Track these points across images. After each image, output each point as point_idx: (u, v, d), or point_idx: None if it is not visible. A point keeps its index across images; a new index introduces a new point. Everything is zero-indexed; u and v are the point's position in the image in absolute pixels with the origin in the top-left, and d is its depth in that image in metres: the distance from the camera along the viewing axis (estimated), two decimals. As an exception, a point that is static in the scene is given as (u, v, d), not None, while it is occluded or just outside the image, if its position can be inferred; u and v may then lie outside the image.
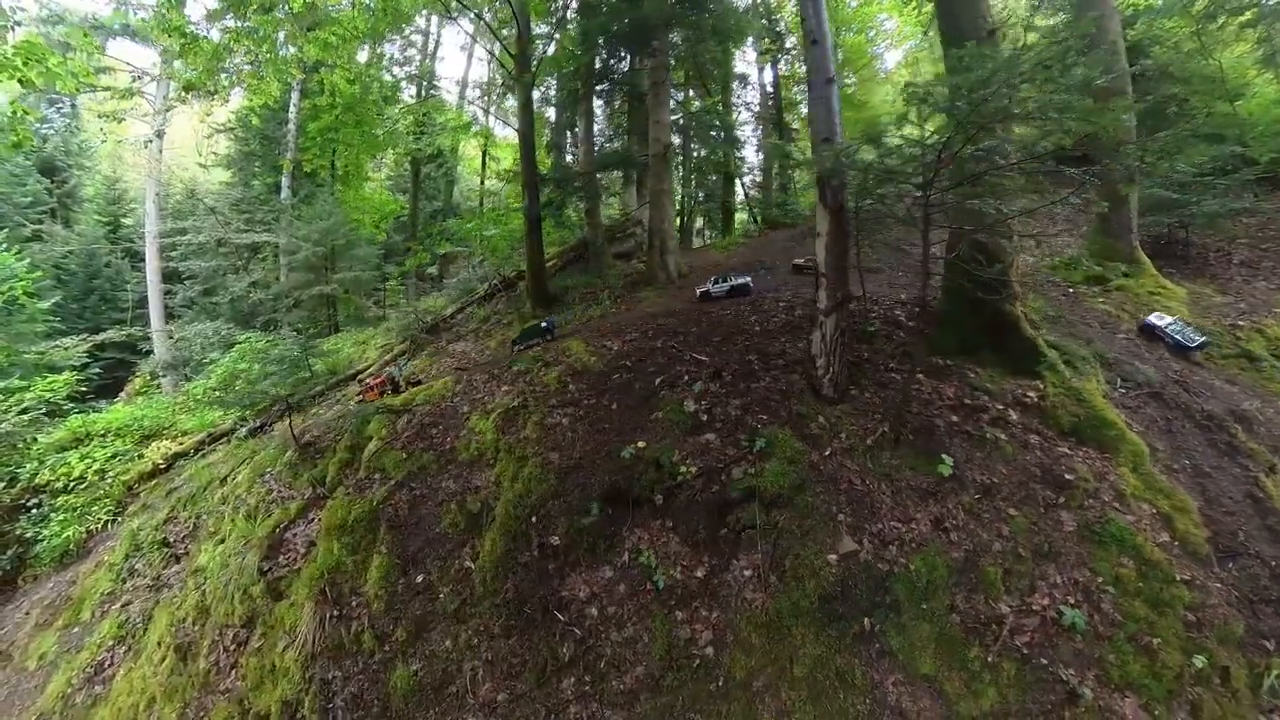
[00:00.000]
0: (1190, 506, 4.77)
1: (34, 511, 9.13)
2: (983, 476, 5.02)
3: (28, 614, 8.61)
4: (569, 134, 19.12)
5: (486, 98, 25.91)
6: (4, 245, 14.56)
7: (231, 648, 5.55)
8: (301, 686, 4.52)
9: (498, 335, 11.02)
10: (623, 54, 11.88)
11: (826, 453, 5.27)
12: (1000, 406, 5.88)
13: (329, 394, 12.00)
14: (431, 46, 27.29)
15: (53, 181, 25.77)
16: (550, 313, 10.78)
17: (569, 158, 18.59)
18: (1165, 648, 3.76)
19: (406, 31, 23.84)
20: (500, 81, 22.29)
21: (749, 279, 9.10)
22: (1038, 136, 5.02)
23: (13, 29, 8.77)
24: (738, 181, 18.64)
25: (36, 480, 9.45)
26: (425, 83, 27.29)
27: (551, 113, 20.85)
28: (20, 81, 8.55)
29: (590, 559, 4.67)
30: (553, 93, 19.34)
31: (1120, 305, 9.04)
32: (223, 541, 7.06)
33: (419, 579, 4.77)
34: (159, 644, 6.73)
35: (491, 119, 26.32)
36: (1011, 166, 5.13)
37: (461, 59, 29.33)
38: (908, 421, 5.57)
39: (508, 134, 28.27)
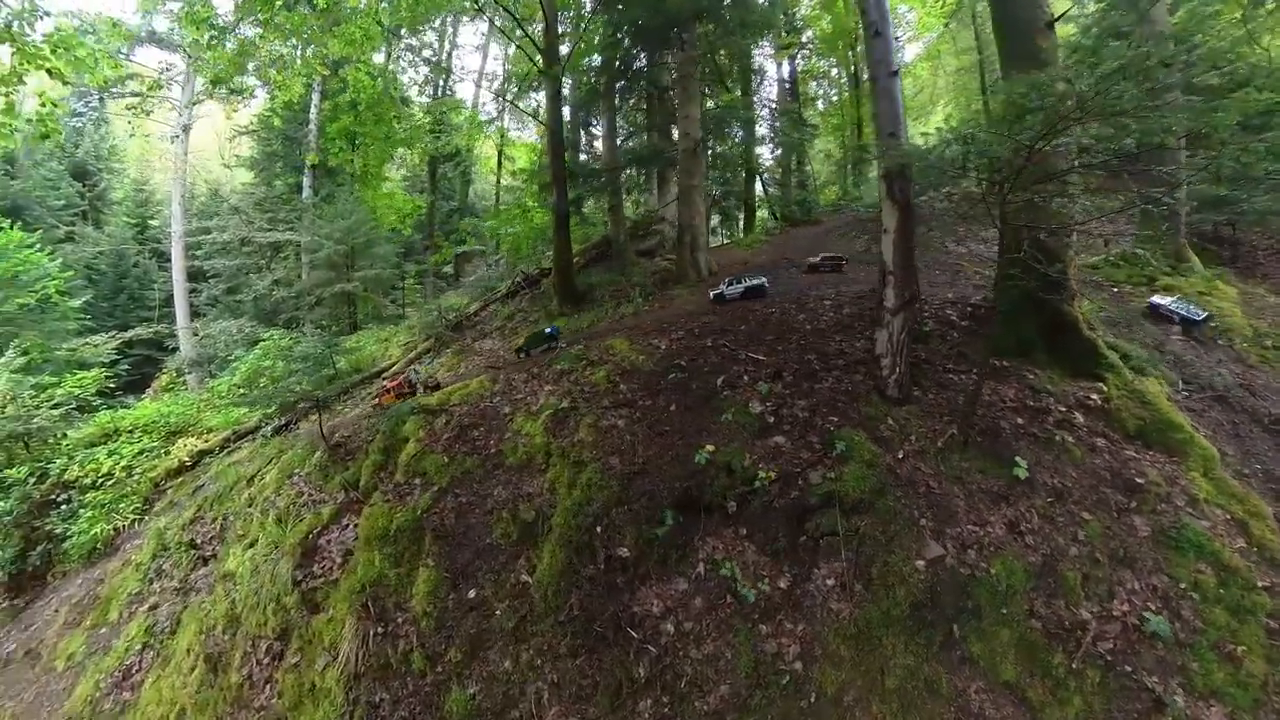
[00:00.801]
0: (1265, 512, 4.59)
1: (63, 507, 8.87)
2: (1053, 480, 4.81)
3: (57, 611, 8.31)
4: (583, 132, 18.67)
5: (503, 96, 25.53)
6: (38, 246, 14.61)
7: (265, 661, 5.12)
8: (345, 709, 4.07)
9: (525, 333, 10.57)
10: (648, 49, 11.38)
11: (900, 455, 5.00)
12: (1064, 409, 5.60)
13: (353, 392, 11.61)
14: (448, 46, 27.05)
15: (84, 185, 26.21)
16: (579, 310, 10.34)
17: (583, 156, 18.13)
18: (1249, 655, 3.59)
19: (424, 31, 23.61)
20: (514, 81, 21.94)
21: (764, 280, 8.64)
22: (1113, 136, 4.67)
23: (41, 18, 8.43)
24: (758, 178, 18.09)
25: (66, 476, 9.18)
26: (442, 82, 27.04)
27: (565, 111, 20.46)
28: (49, 72, 8.23)
29: (661, 571, 4.25)
30: (566, 91, 18.92)
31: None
32: (252, 545, 6.64)
33: (471, 594, 4.30)
34: (188, 652, 6.34)
35: (507, 118, 25.98)
36: (1097, 165, 4.85)
37: (476, 58, 28.63)
38: (974, 423, 5.28)
39: (522, 134, 28.00)
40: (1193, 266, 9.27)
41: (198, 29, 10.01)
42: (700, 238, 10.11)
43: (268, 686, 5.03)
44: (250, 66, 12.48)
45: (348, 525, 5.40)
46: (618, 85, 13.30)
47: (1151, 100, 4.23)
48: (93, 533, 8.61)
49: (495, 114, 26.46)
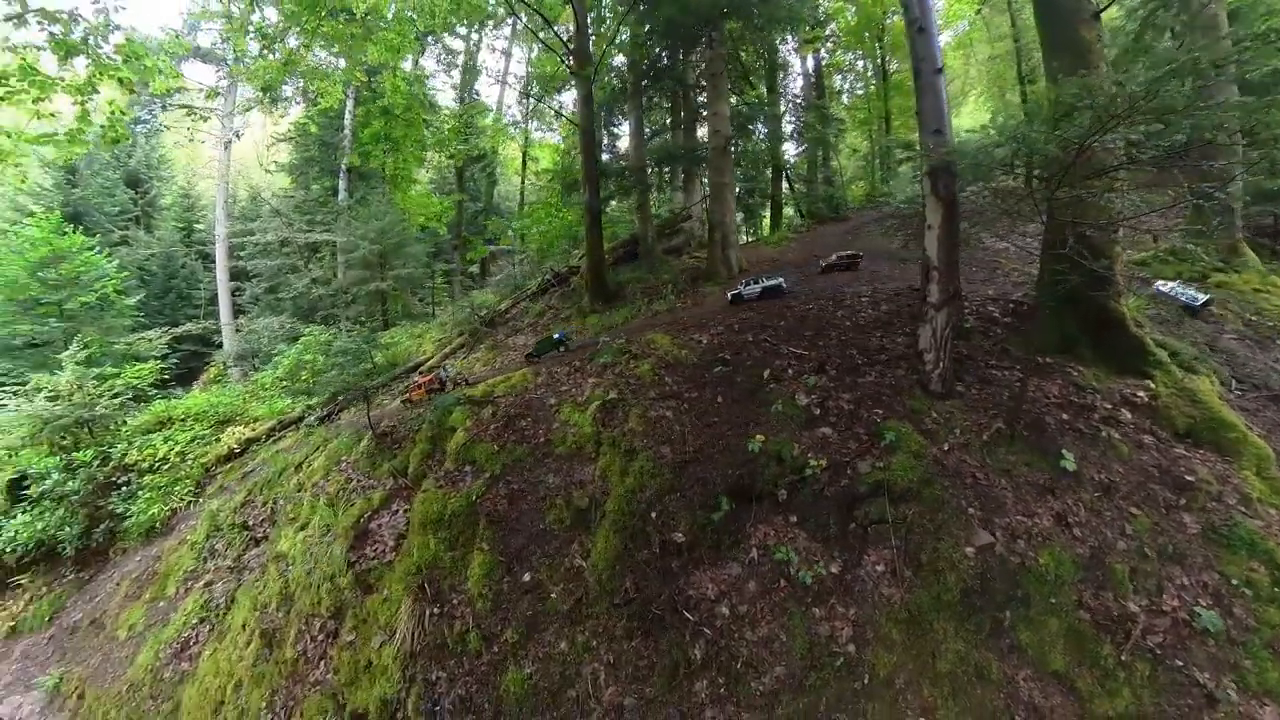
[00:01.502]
0: (1323, 513, 4.35)
1: (123, 489, 9.21)
2: (1100, 475, 4.72)
3: (118, 585, 8.64)
4: (604, 132, 18.56)
5: (526, 97, 25.70)
6: (97, 249, 15.19)
7: (320, 638, 5.18)
8: (402, 686, 4.08)
9: (558, 329, 10.58)
10: (676, 48, 11.23)
11: (945, 448, 4.91)
12: (1109, 406, 5.44)
13: (391, 386, 11.76)
14: (473, 49, 27.39)
15: (136, 192, 27.48)
16: (610, 307, 10.29)
17: (605, 156, 18.01)
18: (1305, 655, 3.36)
19: (450, 37, 23.94)
20: (538, 83, 22.05)
21: (781, 280, 8.40)
22: (1163, 131, 4.52)
23: (113, 31, 8.75)
24: (784, 175, 17.66)
25: (126, 460, 9.52)
26: (467, 88, 27.36)
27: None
28: (119, 81, 8.54)
29: (714, 556, 4.21)
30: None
31: (1222, 304, 8.15)
32: (303, 528, 6.74)
33: (526, 577, 4.28)
34: (243, 627, 6.47)
35: (531, 120, 26.10)
36: (1146, 160, 4.70)
37: (500, 61, 28.87)
38: (1019, 418, 5.18)
39: (546, 135, 28.14)
40: (1247, 262, 8.79)
41: (248, 37, 10.27)
42: (731, 235, 9.97)
43: (322, 662, 5.08)
44: (292, 74, 12.80)
45: (398, 510, 5.44)
46: (643, 84, 13.15)
47: (1203, 100, 4.10)
48: (150, 513, 8.95)
49: (520, 117, 26.62)
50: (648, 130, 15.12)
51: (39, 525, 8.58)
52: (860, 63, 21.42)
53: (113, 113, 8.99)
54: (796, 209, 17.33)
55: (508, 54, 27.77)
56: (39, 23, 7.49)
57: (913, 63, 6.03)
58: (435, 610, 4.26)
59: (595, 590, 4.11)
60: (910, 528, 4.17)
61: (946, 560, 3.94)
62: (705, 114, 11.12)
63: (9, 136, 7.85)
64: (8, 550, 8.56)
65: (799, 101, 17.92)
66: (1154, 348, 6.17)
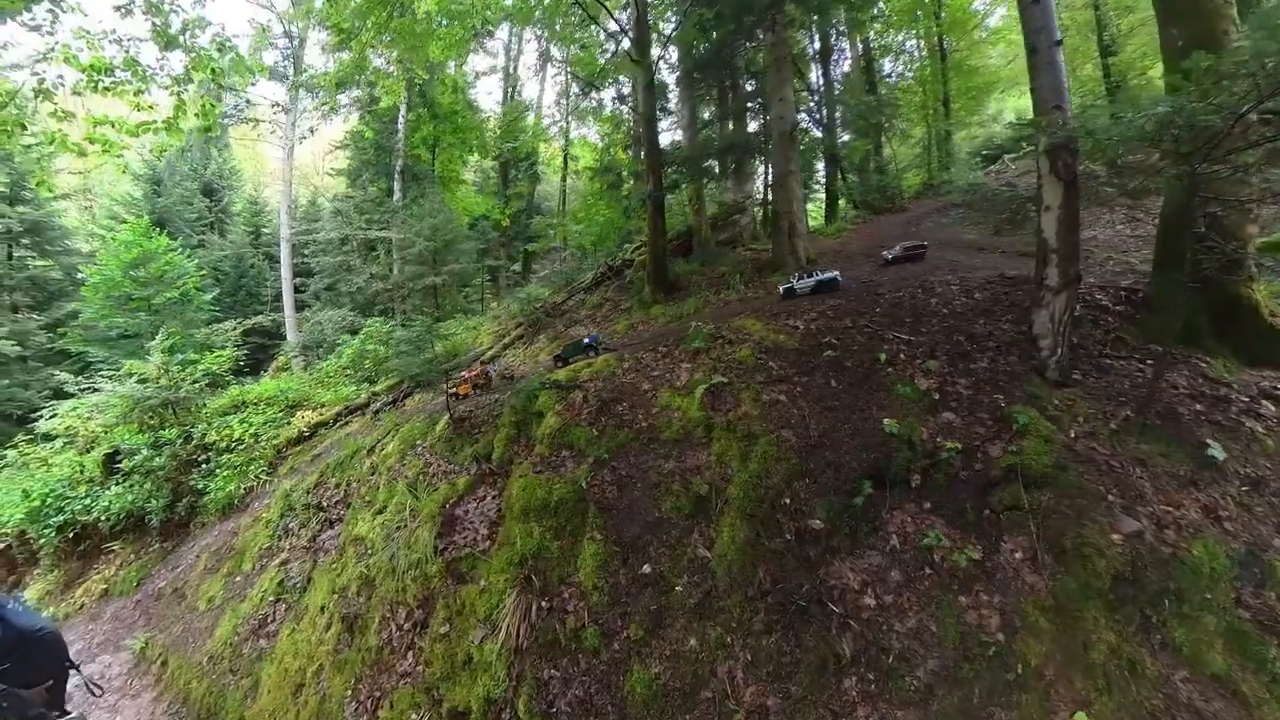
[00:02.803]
0: None
1: (203, 466, 9.36)
2: (1245, 469, 4.27)
3: (198, 557, 8.62)
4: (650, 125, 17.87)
5: (566, 98, 25.58)
6: (179, 250, 16.21)
7: (406, 627, 4.81)
8: (508, 685, 3.63)
9: (621, 320, 10.10)
10: (736, 33, 10.54)
11: (1072, 434, 4.52)
12: (1246, 398, 4.88)
13: (452, 374, 11.56)
14: (514, 51, 27.42)
15: (211, 200, 29.47)
16: (672, 298, 9.77)
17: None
18: None
19: (488, 43, 24.09)
20: (577, 85, 21.81)
21: (836, 274, 7.74)
22: None
23: (204, 28, 8.78)
24: (838, 165, 16.49)
25: (205, 439, 9.67)
26: (509, 91, 27.40)
27: (624, 110, 19.92)
28: (212, 72, 8.53)
29: (851, 544, 3.74)
30: (627, 90, 18.22)
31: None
32: (381, 511, 6.43)
33: (645, 569, 3.79)
34: (321, 610, 6.20)
35: (571, 119, 25.86)
36: None
37: (538, 63, 28.76)
38: (1149, 406, 4.72)
39: (586, 132, 27.90)
40: None
41: (332, 31, 10.24)
42: (799, 224, 9.29)
43: (409, 653, 4.71)
44: (359, 75, 12.80)
45: (486, 496, 5.03)
46: (694, 75, 12.43)
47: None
48: (227, 490, 8.98)
49: (560, 116, 26.45)
50: (701, 121, 14.29)
51: (129, 497, 8.85)
52: (910, 43, 19.76)
53: (204, 107, 9.04)
54: (850, 200, 16.25)
55: (546, 55, 27.59)
56: (144, 13, 7.52)
57: (1026, 37, 5.46)
58: (544, 604, 3.81)
59: (725, 582, 3.62)
60: (1047, 514, 3.79)
61: (1093, 546, 3.54)
62: (768, 101, 10.41)
63: (114, 127, 7.89)
64: (103, 518, 8.86)
65: (849, 87, 16.67)
66: (1293, 338, 5.43)
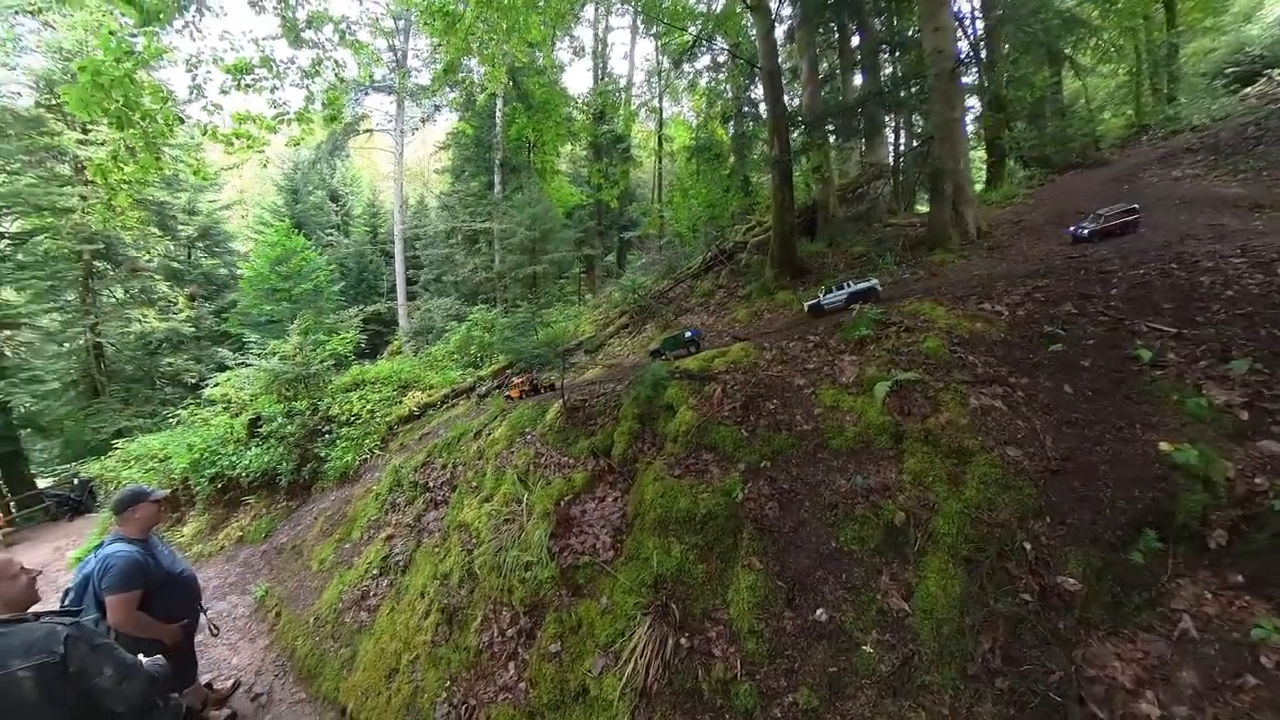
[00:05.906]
0: None
1: (326, 436, 10.26)
2: None
3: (315, 519, 9.27)
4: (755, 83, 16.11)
5: (657, 76, 24.97)
6: (314, 249, 18.80)
7: (510, 633, 4.42)
8: (634, 733, 3.01)
9: (742, 308, 9.09)
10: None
11: None
12: None
13: (553, 361, 11.55)
14: (602, 30, 27.31)
15: (337, 205, 34.68)
16: (801, 281, 8.59)
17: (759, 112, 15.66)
18: None
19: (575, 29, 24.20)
20: (668, 59, 21.02)
21: (875, 282, 6.55)
22: None
23: (326, 24, 9.49)
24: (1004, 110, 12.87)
25: (329, 412, 10.65)
26: (598, 72, 27.37)
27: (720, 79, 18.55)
28: (334, 63, 9.17)
29: (1113, 619, 2.61)
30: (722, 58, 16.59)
31: None
32: (487, 500, 6.20)
33: (819, 615, 2.93)
34: (421, 594, 6.08)
35: (664, 98, 25.14)
36: None
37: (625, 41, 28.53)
38: None
39: (680, 110, 27.05)
40: None
41: (433, 20, 10.69)
42: (967, 187, 7.51)
43: (511, 664, 4.30)
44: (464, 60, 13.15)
45: (606, 498, 4.49)
46: (812, 17, 10.73)
47: None
48: (345, 460, 9.73)
49: (650, 93, 25.93)
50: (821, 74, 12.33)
51: (265, 458, 10.03)
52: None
53: (330, 101, 9.78)
54: (1018, 157, 13.22)
55: (635, 30, 27.14)
56: (274, 12, 8.18)
57: None
58: (684, 641, 3.11)
59: (932, 649, 2.64)
60: None
61: None
62: (920, 30, 8.54)
63: (256, 123, 8.75)
64: (244, 474, 10.15)
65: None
66: None
